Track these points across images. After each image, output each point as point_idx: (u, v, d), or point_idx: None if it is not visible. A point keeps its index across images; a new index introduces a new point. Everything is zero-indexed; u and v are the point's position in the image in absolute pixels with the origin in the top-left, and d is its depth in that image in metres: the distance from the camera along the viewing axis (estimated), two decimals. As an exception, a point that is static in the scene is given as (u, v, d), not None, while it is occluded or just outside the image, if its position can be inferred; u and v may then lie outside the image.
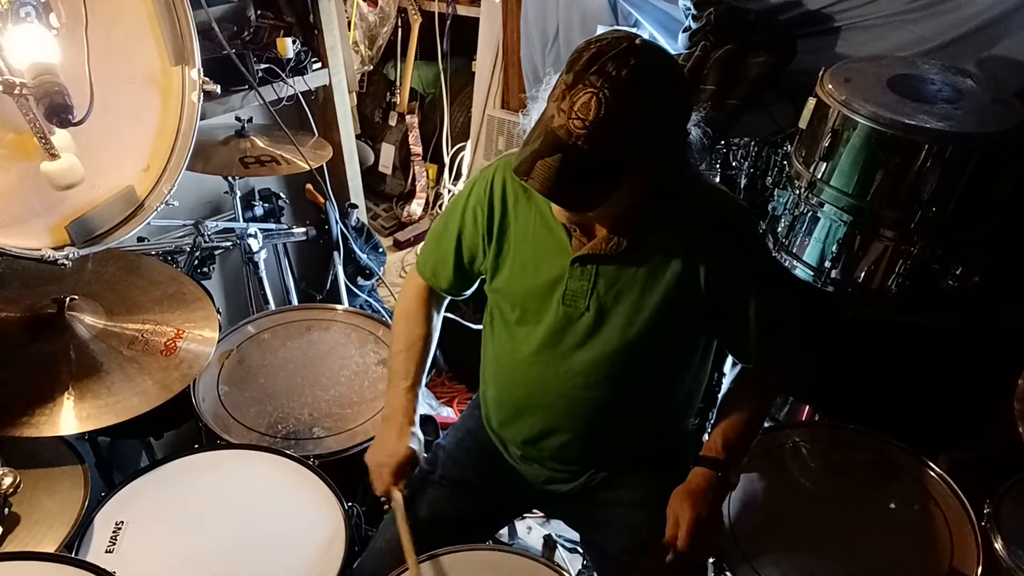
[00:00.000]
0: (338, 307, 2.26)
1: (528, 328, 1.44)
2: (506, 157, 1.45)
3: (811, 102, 1.71)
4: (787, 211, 1.82)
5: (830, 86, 1.66)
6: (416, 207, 4.04)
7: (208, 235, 2.30)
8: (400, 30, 3.77)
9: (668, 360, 1.45)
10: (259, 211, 2.62)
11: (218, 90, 1.76)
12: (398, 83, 3.88)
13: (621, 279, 1.35)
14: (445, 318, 1.72)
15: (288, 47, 2.42)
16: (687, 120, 1.24)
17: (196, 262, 2.32)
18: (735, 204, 1.41)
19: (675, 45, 2.20)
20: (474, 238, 1.48)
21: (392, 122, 3.99)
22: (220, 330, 1.82)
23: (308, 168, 2.30)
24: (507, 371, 1.53)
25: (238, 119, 2.35)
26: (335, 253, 2.75)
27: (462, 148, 3.74)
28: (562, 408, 1.46)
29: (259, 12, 2.49)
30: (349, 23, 3.65)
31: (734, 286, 1.35)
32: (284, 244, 2.77)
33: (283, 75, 2.44)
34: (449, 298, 1.67)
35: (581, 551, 2.01)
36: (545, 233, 1.39)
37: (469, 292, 1.62)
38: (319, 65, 2.63)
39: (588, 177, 1.14)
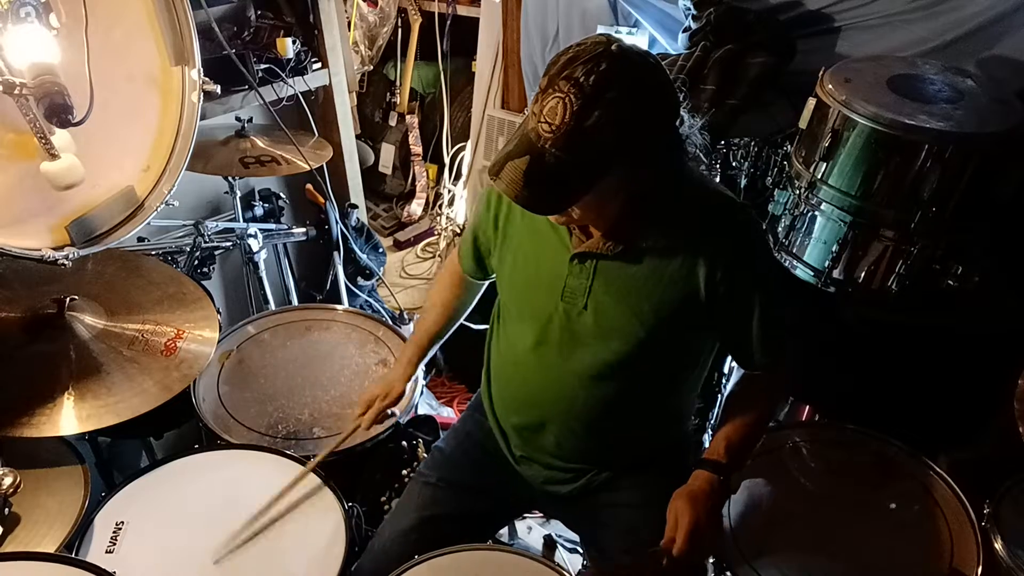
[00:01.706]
0: (338, 307, 2.26)
1: (529, 323, 1.45)
2: None
3: (811, 102, 1.71)
4: (787, 211, 1.82)
5: (830, 86, 1.66)
6: (416, 207, 4.04)
7: (208, 235, 2.30)
8: (400, 30, 3.77)
9: (667, 363, 1.45)
10: (259, 211, 2.62)
11: (218, 90, 1.76)
12: (398, 83, 3.87)
13: (619, 279, 1.35)
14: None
15: (288, 47, 2.42)
16: (670, 124, 1.22)
17: (196, 262, 2.32)
18: (738, 209, 1.37)
19: (675, 45, 2.20)
20: (487, 230, 1.52)
21: (392, 122, 3.98)
22: (220, 330, 1.82)
23: (308, 168, 2.30)
24: (509, 366, 1.54)
25: (238, 119, 2.35)
26: (335, 253, 2.75)
27: (462, 148, 3.73)
28: (561, 405, 1.46)
29: (259, 12, 2.49)
30: (349, 23, 3.64)
31: (735, 293, 1.33)
32: (284, 244, 2.77)
33: (283, 75, 2.44)
34: (482, 282, 1.72)
35: (581, 551, 2.01)
36: (548, 230, 1.40)
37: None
38: (319, 65, 2.63)
39: (553, 180, 1.14)
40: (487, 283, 1.73)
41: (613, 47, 1.12)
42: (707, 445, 1.48)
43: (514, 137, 1.17)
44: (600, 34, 1.19)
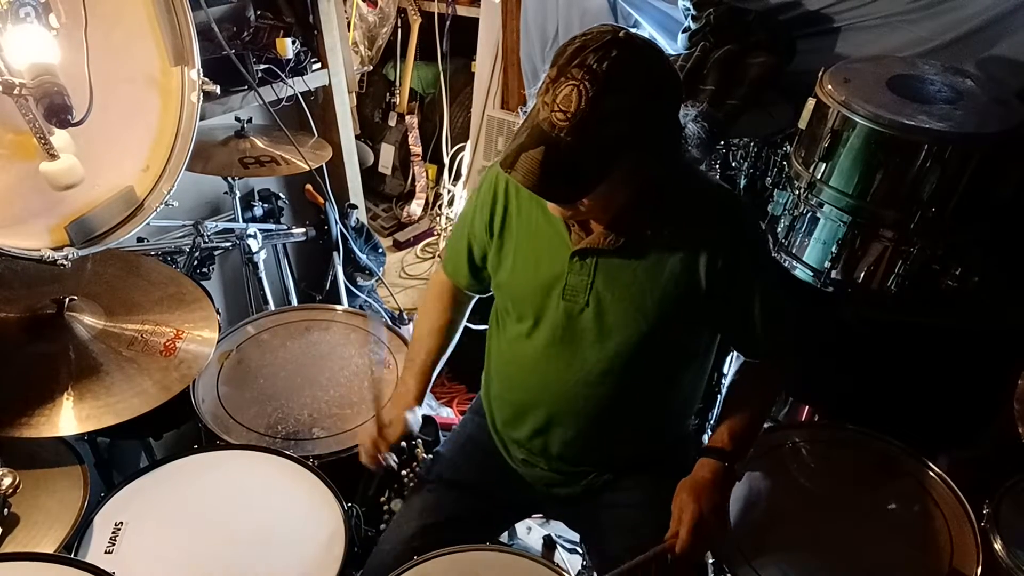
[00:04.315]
0: (337, 307, 2.26)
1: (530, 324, 1.45)
2: None
3: (811, 102, 1.71)
4: (787, 212, 1.82)
5: (830, 86, 1.66)
6: (416, 207, 4.05)
7: (208, 235, 2.29)
8: (400, 30, 3.77)
9: (669, 358, 1.45)
10: (259, 211, 2.62)
11: (217, 90, 1.76)
12: (398, 83, 3.87)
13: (621, 275, 1.35)
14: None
15: (288, 47, 2.42)
16: (675, 112, 1.23)
17: (195, 262, 2.32)
18: (732, 197, 1.42)
19: (675, 45, 2.20)
20: (481, 235, 1.50)
21: (392, 122, 3.99)
22: (220, 330, 1.82)
23: (308, 168, 2.30)
24: (510, 368, 1.53)
25: (238, 119, 2.35)
26: (335, 253, 2.75)
27: (462, 148, 3.74)
28: (564, 405, 1.46)
29: (259, 12, 2.49)
30: (349, 23, 3.64)
31: (736, 280, 1.34)
32: (284, 244, 2.77)
33: (283, 75, 2.44)
34: (475, 296, 1.68)
35: (581, 551, 2.01)
36: (546, 228, 1.40)
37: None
38: (319, 65, 2.63)
39: (570, 169, 1.15)
40: (476, 298, 1.68)
41: (621, 34, 1.14)
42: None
43: (524, 129, 1.16)
44: (604, 24, 1.19)
